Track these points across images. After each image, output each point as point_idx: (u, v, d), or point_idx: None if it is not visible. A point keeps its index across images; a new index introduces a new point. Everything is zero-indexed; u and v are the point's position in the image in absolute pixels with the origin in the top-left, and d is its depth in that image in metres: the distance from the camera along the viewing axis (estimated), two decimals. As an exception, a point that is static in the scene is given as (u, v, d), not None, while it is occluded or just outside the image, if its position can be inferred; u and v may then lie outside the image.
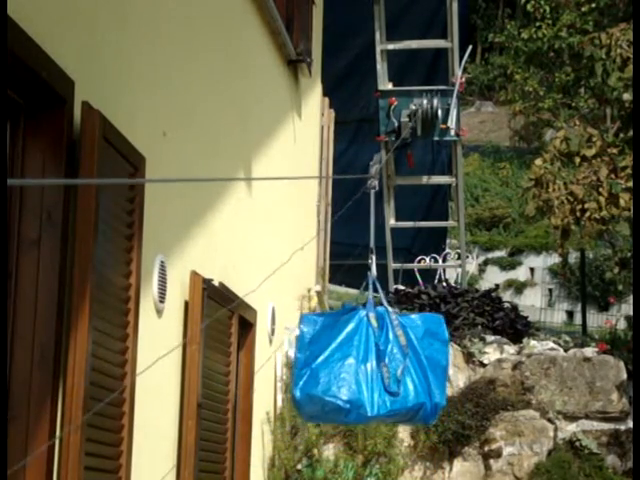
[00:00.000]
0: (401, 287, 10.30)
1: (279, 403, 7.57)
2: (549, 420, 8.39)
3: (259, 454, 7.03)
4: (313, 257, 9.33)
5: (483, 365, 8.62)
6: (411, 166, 10.63)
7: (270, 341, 7.24)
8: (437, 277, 11.84)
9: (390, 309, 4.49)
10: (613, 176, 9.97)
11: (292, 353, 7.77)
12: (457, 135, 10.34)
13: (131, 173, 4.15)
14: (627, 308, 17.61)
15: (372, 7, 10.35)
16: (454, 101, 10.08)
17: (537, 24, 19.42)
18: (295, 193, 8.42)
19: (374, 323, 4.39)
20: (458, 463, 8.31)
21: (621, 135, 10.84)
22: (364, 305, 4.47)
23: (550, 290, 22.09)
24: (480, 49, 34.11)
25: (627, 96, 10.00)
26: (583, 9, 18.47)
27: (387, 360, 4.34)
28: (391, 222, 10.94)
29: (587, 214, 9.97)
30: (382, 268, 10.17)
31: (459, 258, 11.63)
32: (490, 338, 8.89)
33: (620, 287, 14.45)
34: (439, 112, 10.06)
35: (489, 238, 24.11)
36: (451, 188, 11.48)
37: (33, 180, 3.50)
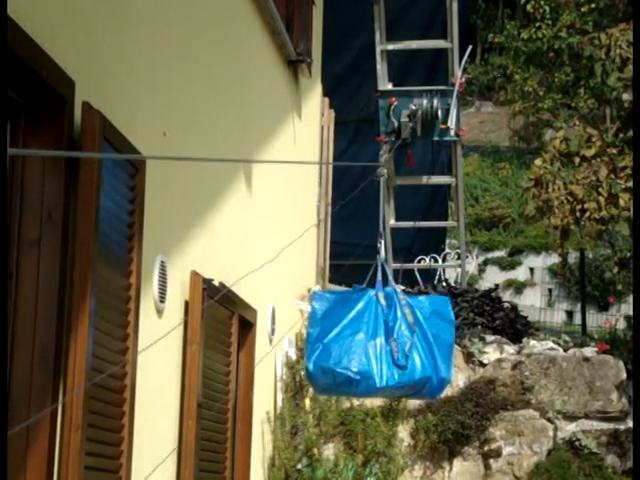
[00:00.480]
0: (401, 287, 10.28)
1: (279, 403, 7.57)
2: (549, 420, 8.39)
3: (259, 454, 7.03)
4: (313, 257, 9.34)
5: (483, 365, 8.62)
6: (411, 166, 10.61)
7: (270, 341, 7.24)
8: (437, 277, 11.85)
9: (398, 289, 4.72)
10: (613, 176, 9.95)
11: (292, 353, 7.78)
12: (457, 135, 10.32)
13: (131, 173, 4.15)
14: (627, 308, 17.59)
15: (372, 7, 10.32)
16: (454, 101, 10.06)
17: (537, 24, 19.44)
18: (295, 193, 8.42)
19: (383, 302, 4.61)
20: (458, 463, 8.31)
21: (621, 135, 10.83)
22: (373, 286, 4.65)
23: (550, 290, 22.07)
24: (480, 49, 34.06)
25: (626, 96, 10.00)
26: (583, 9, 18.49)
27: (395, 336, 4.54)
28: (391, 222, 10.93)
29: (587, 214, 9.95)
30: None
31: (459, 258, 11.62)
32: (490, 338, 8.89)
33: (620, 287, 14.41)
34: (439, 112, 10.04)
35: (489, 238, 24.08)
36: (451, 188, 11.46)
37: (34, 150, 3.51)
